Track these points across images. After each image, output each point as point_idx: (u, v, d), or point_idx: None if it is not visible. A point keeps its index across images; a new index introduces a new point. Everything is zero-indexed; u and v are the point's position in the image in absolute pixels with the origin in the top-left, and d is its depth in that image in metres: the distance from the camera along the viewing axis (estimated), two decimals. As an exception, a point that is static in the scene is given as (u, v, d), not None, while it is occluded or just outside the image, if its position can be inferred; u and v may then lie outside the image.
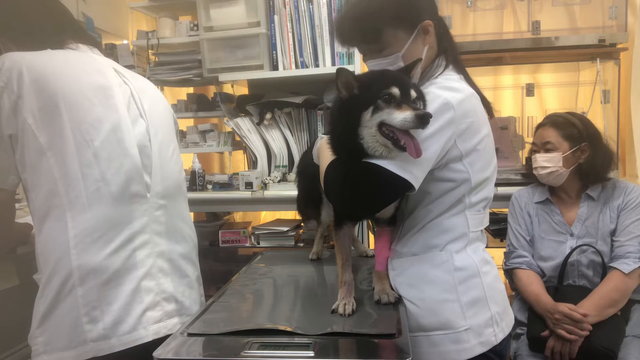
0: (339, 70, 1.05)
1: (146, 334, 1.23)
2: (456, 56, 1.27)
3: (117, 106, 1.29)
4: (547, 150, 1.86)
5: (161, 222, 1.34)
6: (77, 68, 1.28)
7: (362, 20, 1.18)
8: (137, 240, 1.27)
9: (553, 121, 1.89)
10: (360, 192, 1.07)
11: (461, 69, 1.25)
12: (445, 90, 1.12)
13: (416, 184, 1.06)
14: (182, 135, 2.52)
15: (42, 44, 1.31)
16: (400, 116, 0.99)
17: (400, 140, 1.01)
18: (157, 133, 1.39)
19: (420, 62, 1.14)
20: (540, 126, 1.94)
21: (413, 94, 1.04)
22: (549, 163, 1.84)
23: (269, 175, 2.34)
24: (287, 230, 2.34)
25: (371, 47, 1.20)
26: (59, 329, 1.18)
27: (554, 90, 2.63)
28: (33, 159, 1.19)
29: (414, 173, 1.05)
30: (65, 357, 1.17)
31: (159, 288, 1.29)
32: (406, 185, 1.05)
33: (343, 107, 1.10)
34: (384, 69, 1.19)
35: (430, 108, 1.08)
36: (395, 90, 1.02)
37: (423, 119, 0.98)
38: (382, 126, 1.03)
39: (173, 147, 1.46)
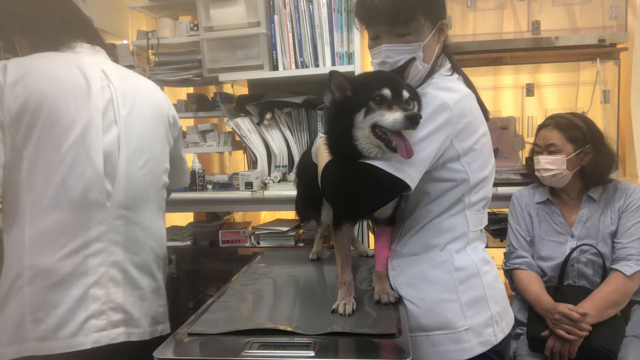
0: (331, 73, 1.06)
1: (85, 341, 1.22)
2: (452, 57, 1.27)
3: (91, 112, 1.28)
4: (551, 153, 1.85)
5: (120, 232, 1.32)
6: (61, 70, 1.29)
7: None
8: (91, 247, 1.26)
9: (556, 122, 1.87)
10: (355, 192, 1.08)
11: (459, 70, 1.25)
12: (442, 90, 1.13)
13: (412, 184, 1.06)
14: (182, 135, 2.52)
15: (52, 41, 1.34)
16: (391, 117, 1.00)
17: (392, 141, 1.01)
18: (130, 142, 1.35)
19: (414, 62, 1.14)
20: (542, 127, 1.92)
21: (405, 94, 1.04)
22: (552, 165, 1.84)
23: (269, 175, 2.34)
24: (287, 230, 2.33)
25: (397, 28, 1.15)
26: (6, 324, 1.21)
27: (554, 90, 2.63)
28: (11, 156, 1.22)
29: (409, 173, 1.05)
30: (6, 352, 1.19)
31: (107, 297, 1.27)
32: (402, 186, 1.05)
33: (337, 108, 1.11)
34: (378, 70, 1.19)
35: (427, 109, 1.09)
36: (387, 92, 1.03)
37: (412, 120, 0.98)
38: (375, 127, 1.03)
39: (147, 157, 1.40)
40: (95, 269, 1.26)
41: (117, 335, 1.27)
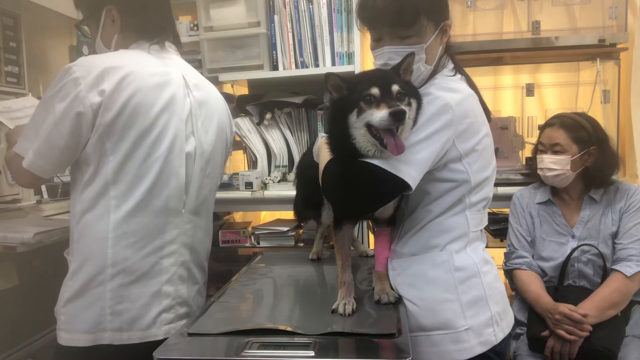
0: (327, 75, 1.07)
1: (158, 333, 1.32)
2: (455, 57, 1.27)
3: (177, 124, 1.35)
4: (555, 152, 1.84)
5: (189, 235, 1.42)
6: (154, 77, 1.31)
7: (403, 0, 1.13)
8: (166, 249, 1.35)
9: (563, 122, 1.86)
10: (355, 191, 1.07)
11: (462, 70, 1.25)
12: (444, 91, 1.12)
13: (413, 184, 1.06)
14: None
15: (142, 27, 1.37)
16: (378, 115, 1.01)
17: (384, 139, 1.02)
18: (203, 153, 1.44)
19: (412, 57, 1.13)
20: (548, 126, 1.91)
21: (394, 89, 1.04)
22: (556, 165, 1.83)
23: (269, 175, 2.34)
24: (287, 230, 2.33)
25: (399, 30, 1.15)
26: (83, 313, 1.27)
27: (554, 90, 2.63)
28: (97, 159, 1.26)
29: (410, 173, 1.05)
30: (82, 339, 1.26)
31: (176, 293, 1.38)
32: (402, 185, 1.05)
33: (335, 108, 1.12)
34: (373, 69, 1.20)
35: (430, 109, 1.09)
36: (375, 91, 1.03)
37: (396, 116, 0.98)
38: (370, 126, 1.04)
39: (213, 166, 1.49)
40: (168, 269, 1.36)
41: (182, 327, 1.35)
